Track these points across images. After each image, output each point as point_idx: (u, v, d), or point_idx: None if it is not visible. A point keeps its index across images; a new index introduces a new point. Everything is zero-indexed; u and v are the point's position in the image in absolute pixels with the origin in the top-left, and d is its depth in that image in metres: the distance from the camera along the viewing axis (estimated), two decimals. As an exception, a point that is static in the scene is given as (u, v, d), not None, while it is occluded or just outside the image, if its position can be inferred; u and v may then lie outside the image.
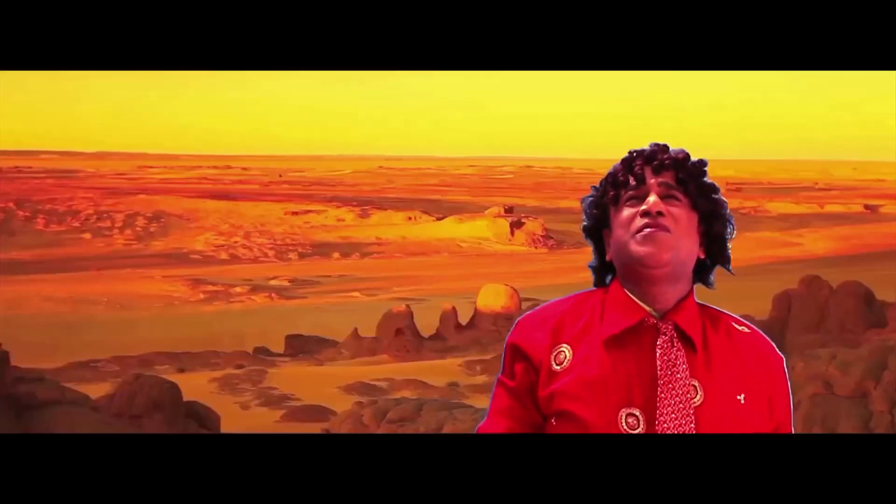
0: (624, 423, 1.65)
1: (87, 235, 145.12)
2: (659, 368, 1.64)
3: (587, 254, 1.87)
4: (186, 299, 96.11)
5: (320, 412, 39.79)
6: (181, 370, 52.86)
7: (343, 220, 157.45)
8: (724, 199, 1.73)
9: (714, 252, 1.72)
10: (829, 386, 24.11)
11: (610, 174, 1.75)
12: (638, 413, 1.65)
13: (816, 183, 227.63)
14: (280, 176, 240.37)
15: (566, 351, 1.70)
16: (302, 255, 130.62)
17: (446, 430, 25.05)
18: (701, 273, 1.73)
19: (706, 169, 1.74)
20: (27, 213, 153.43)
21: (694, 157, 1.72)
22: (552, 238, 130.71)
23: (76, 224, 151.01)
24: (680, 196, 1.69)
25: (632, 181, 1.70)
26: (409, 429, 25.82)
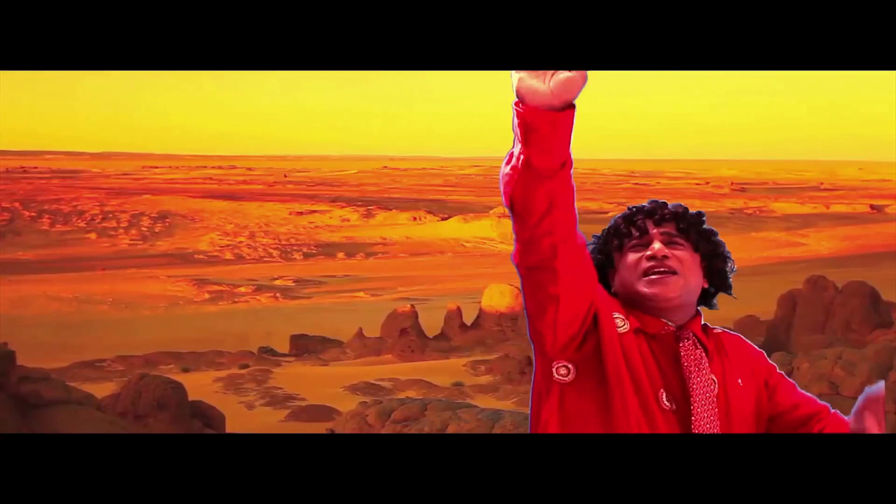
0: (665, 400, 1.85)
1: (93, 235, 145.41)
2: (686, 368, 1.88)
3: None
4: (191, 299, 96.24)
5: (325, 412, 39.83)
6: (186, 370, 52.94)
7: (348, 221, 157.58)
8: (721, 240, 1.99)
9: (717, 283, 1.99)
10: (835, 386, 24.06)
11: (611, 227, 1.98)
12: (673, 396, 1.86)
13: (822, 183, 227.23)
14: (285, 176, 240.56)
15: (620, 319, 1.87)
16: (306, 255, 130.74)
17: (451, 430, 25.05)
18: (705, 299, 1.99)
19: (704, 219, 1.99)
20: (33, 213, 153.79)
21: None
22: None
23: (81, 224, 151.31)
24: (682, 241, 1.94)
25: (635, 232, 1.95)
26: (413, 429, 25.82)
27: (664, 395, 1.84)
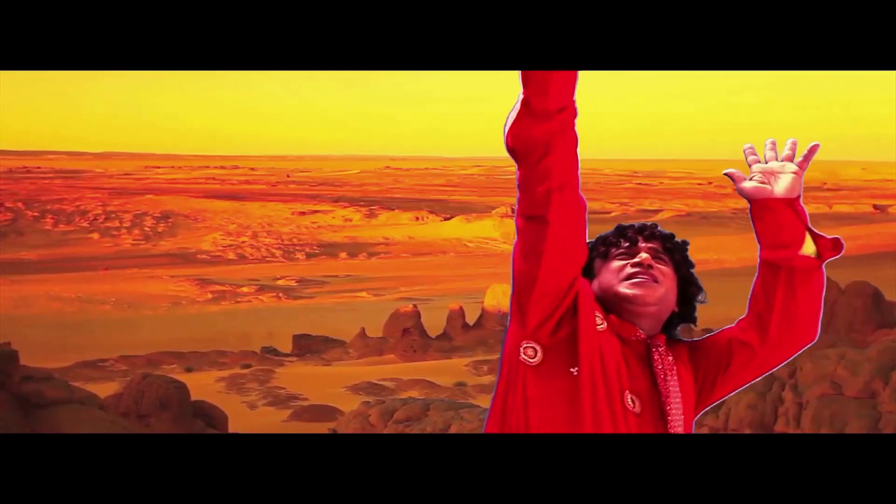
0: (629, 401, 1.86)
1: (95, 235, 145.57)
2: (659, 373, 1.92)
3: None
4: (194, 299, 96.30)
5: (327, 412, 39.88)
6: (188, 370, 52.99)
7: (350, 220, 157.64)
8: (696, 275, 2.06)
9: (685, 311, 2.04)
10: (838, 386, 24.05)
11: (600, 237, 2.04)
12: (638, 398, 1.88)
13: (824, 183, 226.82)
14: (287, 176, 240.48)
15: (599, 318, 1.89)
16: (309, 255, 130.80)
17: (453, 430, 25.07)
18: (669, 326, 2.01)
19: (688, 248, 2.06)
20: (35, 213, 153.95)
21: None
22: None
23: (84, 224, 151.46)
24: (666, 259, 2.00)
25: (623, 243, 2.00)
26: (415, 429, 25.86)
27: (628, 395, 1.86)
